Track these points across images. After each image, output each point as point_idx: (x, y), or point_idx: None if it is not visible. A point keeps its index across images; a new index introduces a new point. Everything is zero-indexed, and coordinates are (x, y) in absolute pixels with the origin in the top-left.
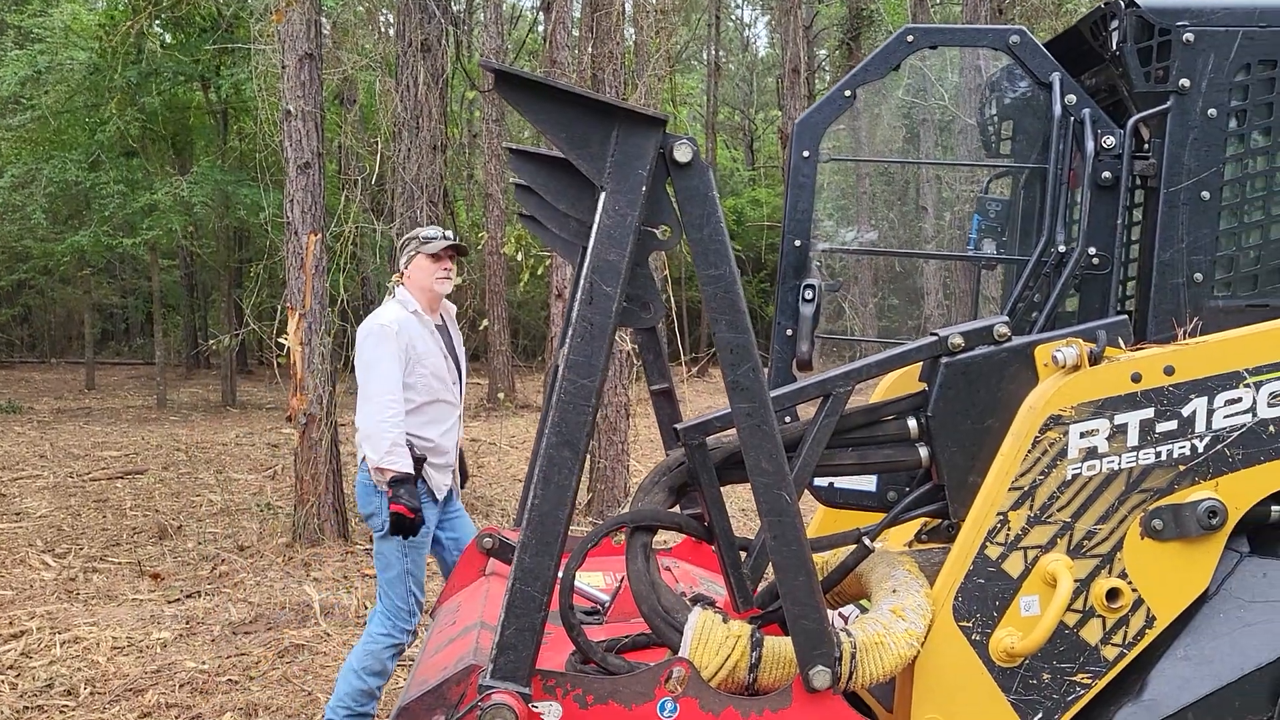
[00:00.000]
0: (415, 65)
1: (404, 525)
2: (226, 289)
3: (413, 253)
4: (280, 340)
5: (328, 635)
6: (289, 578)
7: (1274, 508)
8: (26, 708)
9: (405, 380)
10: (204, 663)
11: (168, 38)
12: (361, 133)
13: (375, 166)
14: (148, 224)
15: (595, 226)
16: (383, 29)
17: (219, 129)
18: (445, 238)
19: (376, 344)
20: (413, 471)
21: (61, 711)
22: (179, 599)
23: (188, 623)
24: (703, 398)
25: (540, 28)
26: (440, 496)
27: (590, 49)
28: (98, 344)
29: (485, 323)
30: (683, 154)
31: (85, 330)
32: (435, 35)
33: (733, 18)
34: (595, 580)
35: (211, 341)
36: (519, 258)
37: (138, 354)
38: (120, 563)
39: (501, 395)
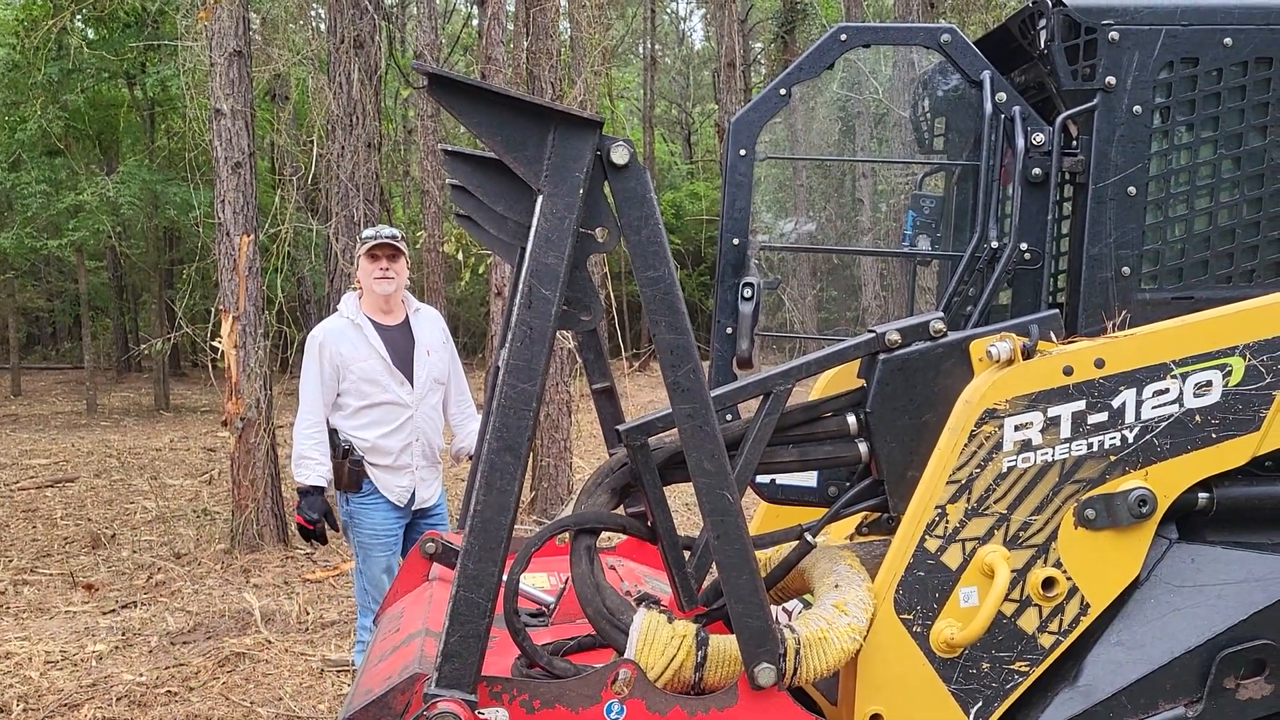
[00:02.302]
0: (348, 62)
1: (305, 534)
2: (157, 290)
3: (358, 254)
4: (214, 343)
5: (269, 643)
6: (228, 585)
7: (1201, 495)
8: None
9: (340, 387)
10: (141, 675)
11: (90, 34)
12: (294, 130)
13: (310, 165)
14: (73, 225)
15: (533, 230)
16: (314, 25)
17: (146, 127)
18: (379, 235)
19: (305, 358)
20: (317, 484)
21: None
22: (114, 610)
23: (124, 634)
24: (644, 392)
25: (475, 22)
26: (398, 500)
27: (526, 44)
28: (23, 348)
29: None
30: (620, 156)
31: (10, 335)
32: (368, 31)
33: (668, 11)
34: (539, 581)
35: (143, 345)
36: (459, 256)
37: (66, 358)
38: (52, 574)
39: None
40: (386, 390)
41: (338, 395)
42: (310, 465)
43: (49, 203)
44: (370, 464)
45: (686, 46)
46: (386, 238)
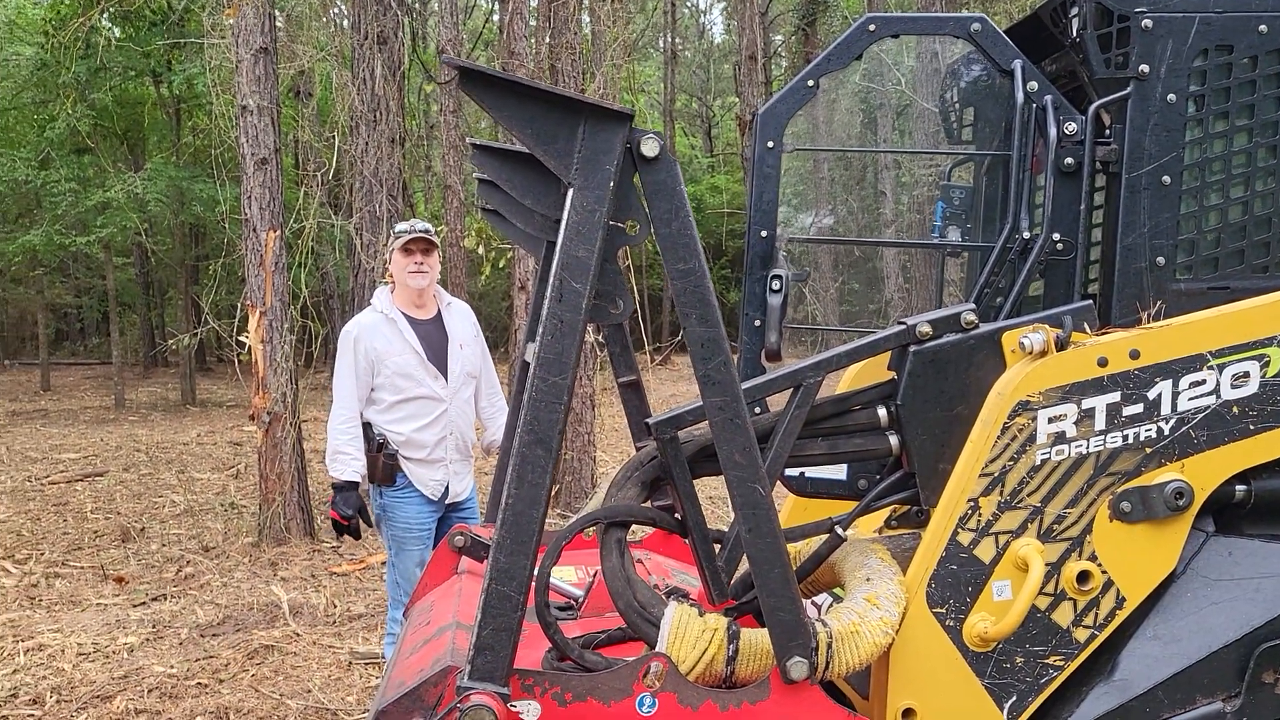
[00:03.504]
0: (372, 58)
1: (339, 529)
2: (183, 286)
3: (390, 248)
4: (241, 339)
5: (297, 635)
6: (256, 578)
7: (1238, 487)
8: None
9: (374, 381)
10: (172, 667)
11: (117, 32)
12: (318, 127)
13: (333, 161)
14: (101, 221)
15: (563, 223)
16: (337, 22)
17: (172, 124)
18: (413, 230)
19: (339, 352)
20: (351, 479)
21: None
22: (144, 602)
23: (154, 626)
24: (666, 386)
25: (496, 18)
26: (432, 494)
27: (548, 39)
28: (52, 344)
29: None
30: (650, 148)
31: (39, 331)
32: (391, 27)
33: (688, 4)
34: (568, 575)
35: (170, 340)
36: (480, 250)
37: (94, 354)
38: (83, 567)
39: None
40: (421, 385)
41: (371, 390)
42: (345, 460)
43: (77, 200)
44: (404, 458)
45: (707, 40)
46: (420, 232)
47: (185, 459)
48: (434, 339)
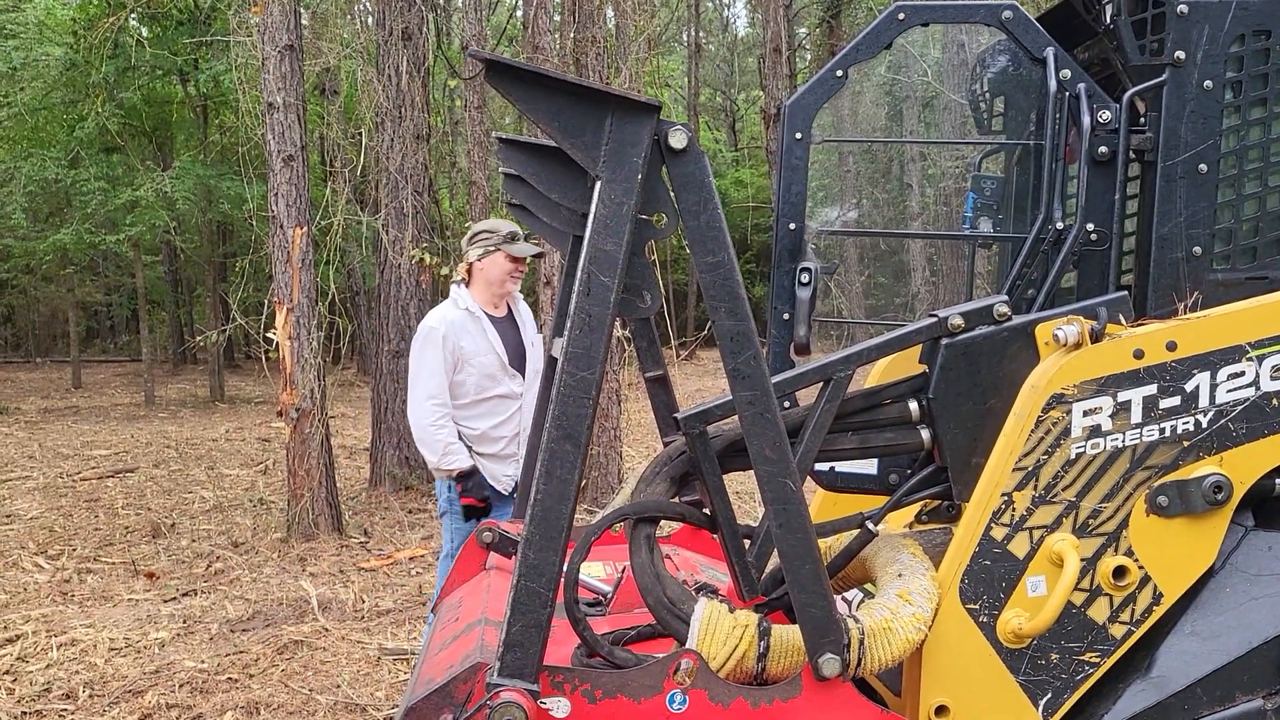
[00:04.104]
0: (397, 53)
1: (476, 512)
2: (211, 284)
3: (493, 248)
4: (269, 335)
5: (326, 630)
6: (285, 573)
7: (1278, 481)
8: (25, 713)
9: (455, 378)
10: (203, 662)
11: (145, 31)
12: (344, 124)
13: (360, 157)
14: (130, 220)
15: (591, 216)
16: (362, 18)
17: (199, 123)
18: (517, 237)
19: (421, 349)
20: (470, 465)
21: (60, 715)
22: (175, 598)
23: (185, 622)
24: (691, 381)
25: (520, 13)
26: (504, 488)
27: (572, 34)
28: (83, 342)
29: None
30: (678, 140)
31: (70, 329)
32: (415, 23)
33: None
34: (596, 571)
35: (199, 337)
36: None
37: (124, 351)
38: (114, 563)
39: None
40: (500, 384)
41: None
42: (456, 450)
43: (107, 199)
44: (478, 453)
45: (730, 33)
46: (527, 242)
47: (214, 455)
48: (510, 338)
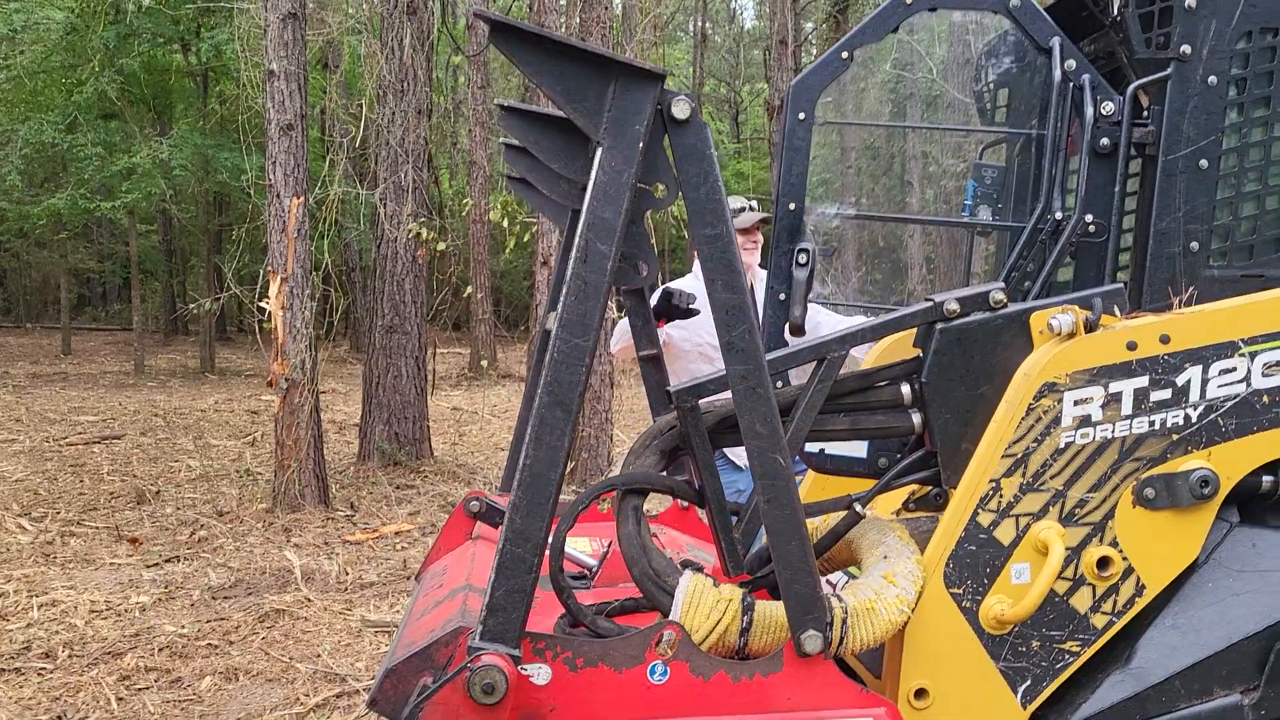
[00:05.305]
0: (401, 27)
1: None
2: (206, 254)
3: None
4: (262, 304)
5: (309, 601)
6: (269, 543)
7: (1265, 478)
8: (3, 670)
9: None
10: (183, 627)
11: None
12: (344, 97)
13: (360, 130)
14: (126, 187)
15: (591, 183)
16: None
17: (199, 92)
18: (752, 209)
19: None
20: None
21: (39, 674)
22: (158, 564)
23: (167, 587)
24: None
25: None
26: (743, 464)
27: (579, 14)
28: (74, 309)
29: (469, 290)
30: (681, 110)
31: (61, 295)
32: None
33: None
34: (582, 546)
35: (192, 305)
36: (505, 224)
37: (115, 319)
38: (98, 527)
39: (484, 363)
40: (714, 362)
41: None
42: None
43: (103, 165)
44: None
45: (737, 24)
46: (755, 211)
47: (202, 425)
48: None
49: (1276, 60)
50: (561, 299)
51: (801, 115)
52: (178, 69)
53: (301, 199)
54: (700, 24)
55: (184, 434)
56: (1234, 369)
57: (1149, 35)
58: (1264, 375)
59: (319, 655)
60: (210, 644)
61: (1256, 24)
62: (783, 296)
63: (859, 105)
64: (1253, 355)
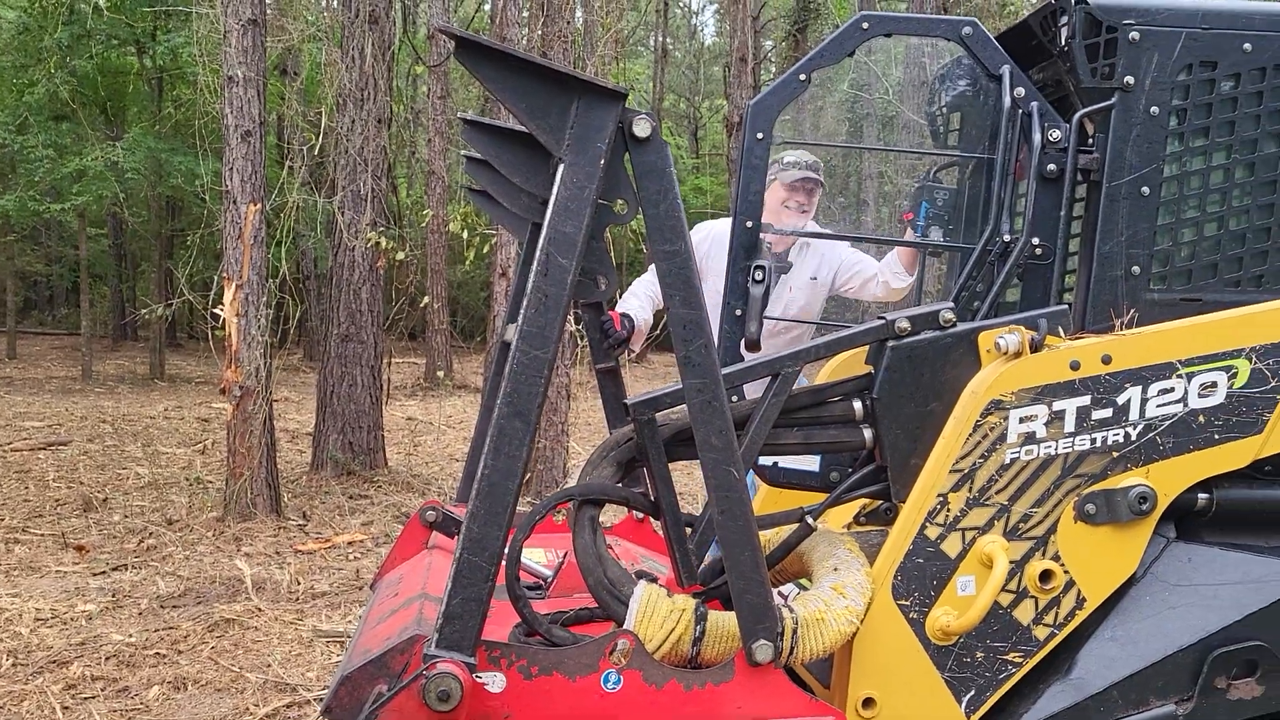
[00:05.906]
0: (362, 36)
1: None
2: (157, 259)
3: (771, 177)
4: (216, 311)
5: (259, 610)
6: (219, 552)
7: (1200, 495)
8: None
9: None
10: (131, 636)
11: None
12: (303, 104)
13: (318, 138)
14: (77, 190)
15: (552, 199)
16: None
17: (154, 95)
18: (805, 166)
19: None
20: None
21: None
22: (105, 572)
23: (114, 596)
24: (641, 383)
25: (489, 5)
26: None
27: (540, 27)
28: (20, 312)
29: (426, 300)
30: (642, 129)
31: (8, 298)
32: (383, 7)
33: (681, 5)
34: (537, 556)
35: (144, 311)
36: (464, 235)
37: (62, 324)
38: (43, 534)
39: (440, 374)
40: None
41: None
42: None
43: (54, 167)
44: None
45: (697, 41)
46: (807, 166)
47: (151, 432)
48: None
49: (1215, 92)
50: (522, 311)
51: (760, 135)
52: (133, 72)
53: (259, 206)
54: (661, 39)
55: (133, 441)
56: (1172, 389)
57: (1095, 65)
58: (1200, 396)
59: (269, 665)
60: (158, 653)
61: (1197, 58)
62: (739, 312)
63: (816, 124)
64: (1190, 376)
